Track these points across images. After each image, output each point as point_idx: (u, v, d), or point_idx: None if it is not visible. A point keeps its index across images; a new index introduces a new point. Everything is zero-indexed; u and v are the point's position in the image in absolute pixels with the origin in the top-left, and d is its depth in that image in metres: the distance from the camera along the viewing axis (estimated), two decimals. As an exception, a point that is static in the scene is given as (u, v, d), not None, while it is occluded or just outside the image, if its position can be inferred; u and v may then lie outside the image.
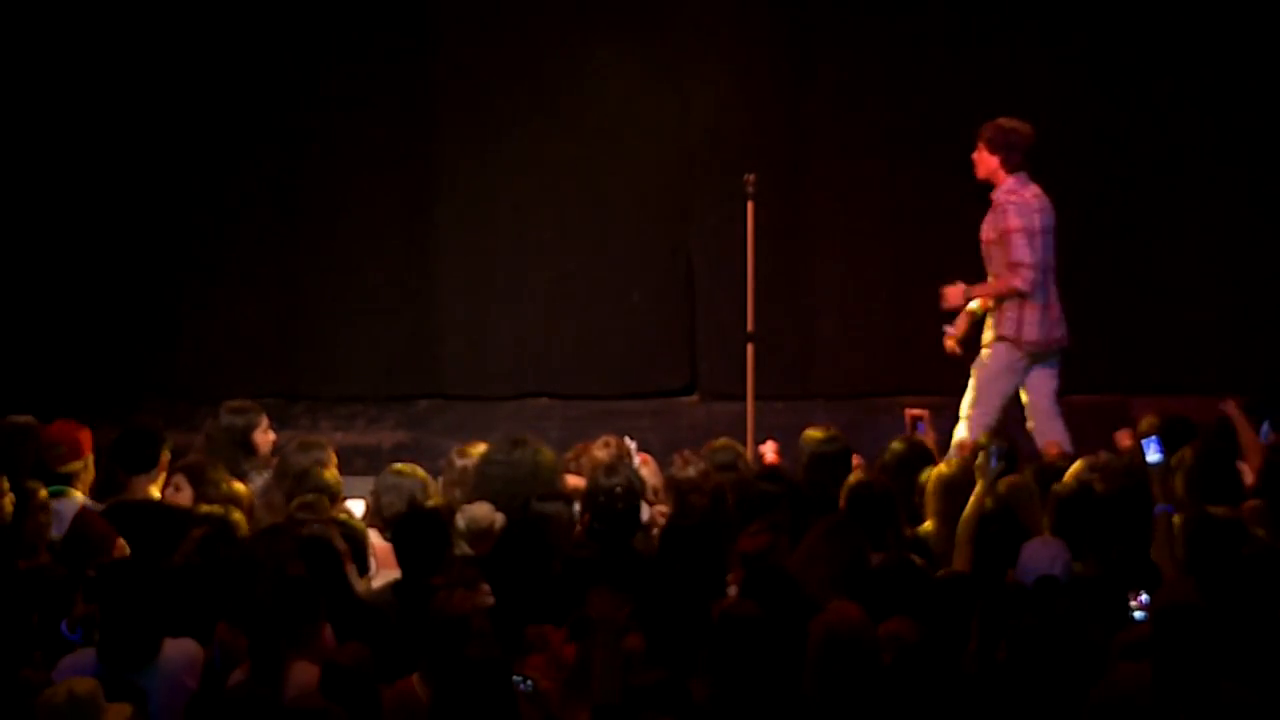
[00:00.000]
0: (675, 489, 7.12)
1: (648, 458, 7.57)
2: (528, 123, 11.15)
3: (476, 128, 11.22)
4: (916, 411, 8.20)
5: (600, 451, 7.51)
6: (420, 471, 7.14)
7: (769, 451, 8.10)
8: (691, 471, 7.27)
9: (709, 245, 11.00)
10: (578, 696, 5.24)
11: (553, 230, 11.25)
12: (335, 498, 7.01)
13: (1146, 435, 6.73)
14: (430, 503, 6.80)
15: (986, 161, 8.71)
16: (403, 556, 6.20)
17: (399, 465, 7.25)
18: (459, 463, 7.25)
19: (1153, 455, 6.56)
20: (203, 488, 6.91)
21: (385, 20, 11.13)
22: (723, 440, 7.70)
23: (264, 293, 11.36)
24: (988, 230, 8.71)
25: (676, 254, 11.28)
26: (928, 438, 7.84)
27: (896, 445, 7.57)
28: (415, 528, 6.26)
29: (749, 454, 8.23)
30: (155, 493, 6.91)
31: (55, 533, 6.42)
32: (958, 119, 10.75)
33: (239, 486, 6.93)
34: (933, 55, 10.81)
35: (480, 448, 7.27)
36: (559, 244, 11.27)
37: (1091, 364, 10.81)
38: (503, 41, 11.15)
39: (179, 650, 5.49)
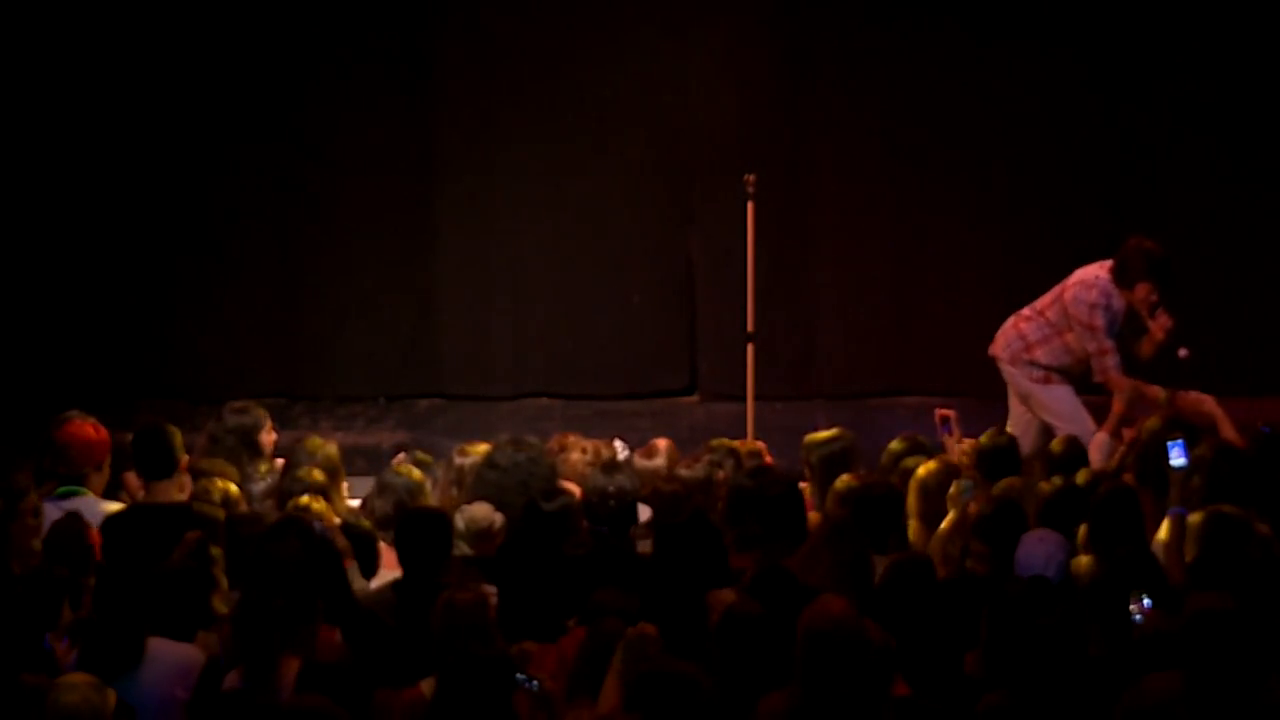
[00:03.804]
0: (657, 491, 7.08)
1: (667, 443, 7.55)
2: (527, 123, 11.14)
3: (476, 128, 11.21)
4: (946, 411, 8.15)
5: (576, 455, 7.47)
6: (416, 472, 7.14)
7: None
8: (684, 473, 7.27)
9: (709, 245, 11.00)
10: (580, 696, 5.24)
11: (552, 230, 11.24)
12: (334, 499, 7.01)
13: (1171, 439, 6.68)
14: (422, 503, 6.80)
15: None
16: (404, 556, 6.19)
17: (399, 461, 7.27)
18: (458, 461, 7.25)
19: (1177, 459, 6.53)
20: (197, 489, 6.90)
21: (385, 21, 11.12)
22: (715, 441, 7.68)
23: (264, 293, 11.35)
24: None
25: (676, 254, 11.27)
26: (954, 437, 7.83)
27: (895, 445, 7.59)
28: (416, 527, 6.25)
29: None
30: (178, 495, 6.88)
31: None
32: (959, 119, 10.81)
33: (233, 488, 6.92)
34: (933, 55, 10.80)
35: (481, 447, 7.27)
36: (559, 244, 11.26)
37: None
38: (502, 42, 11.14)
39: (169, 657, 5.43)
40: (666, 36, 11.03)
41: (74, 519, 6.26)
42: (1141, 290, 8.37)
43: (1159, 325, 8.37)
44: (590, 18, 11.09)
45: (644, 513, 6.88)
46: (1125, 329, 8.52)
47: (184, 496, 6.83)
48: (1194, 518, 6.08)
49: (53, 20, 10.99)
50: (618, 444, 7.69)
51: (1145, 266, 8.36)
